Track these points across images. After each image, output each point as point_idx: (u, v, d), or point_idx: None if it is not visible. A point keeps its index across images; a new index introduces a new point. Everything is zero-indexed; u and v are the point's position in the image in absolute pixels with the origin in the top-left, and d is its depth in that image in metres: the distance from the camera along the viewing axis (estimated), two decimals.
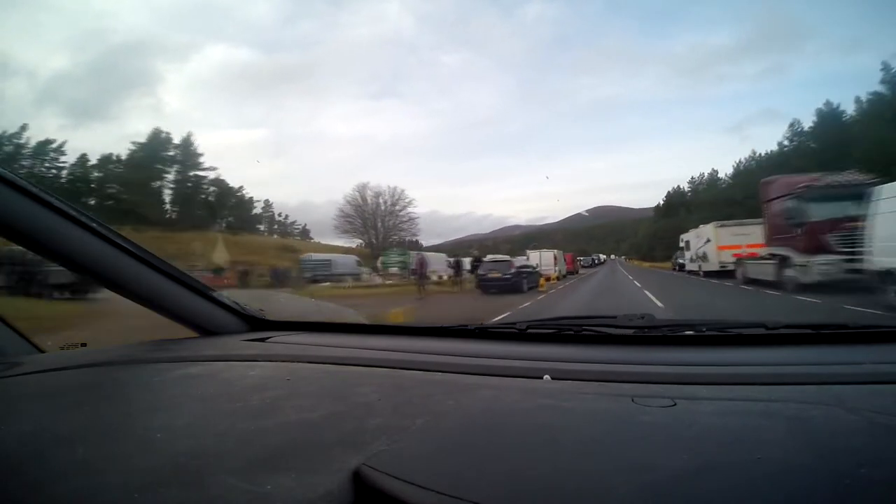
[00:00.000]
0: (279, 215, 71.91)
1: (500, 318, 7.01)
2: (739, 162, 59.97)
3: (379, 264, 33.60)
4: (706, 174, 74.36)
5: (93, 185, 40.43)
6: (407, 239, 57.23)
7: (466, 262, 23.21)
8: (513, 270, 15.20)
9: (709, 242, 18.54)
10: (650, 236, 77.70)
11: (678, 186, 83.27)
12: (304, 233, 70.94)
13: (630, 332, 1.06)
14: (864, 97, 39.30)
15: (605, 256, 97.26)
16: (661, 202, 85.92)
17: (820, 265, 9.10)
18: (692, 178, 78.28)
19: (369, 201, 54.21)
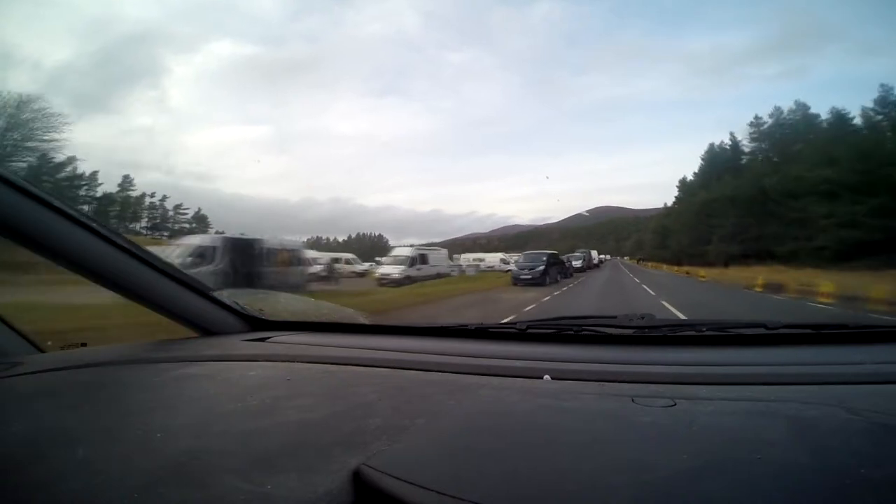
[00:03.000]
0: (152, 196, 53.64)
1: None
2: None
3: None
4: (785, 110, 43.77)
5: None
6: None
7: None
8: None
9: None
10: (695, 216, 43.17)
11: (732, 133, 50.58)
12: (201, 219, 53.96)
13: (630, 332, 1.07)
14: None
15: (605, 256, 71.41)
16: (698, 169, 54.20)
17: None
18: (756, 117, 46.02)
19: None
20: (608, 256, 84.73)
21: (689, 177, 60.90)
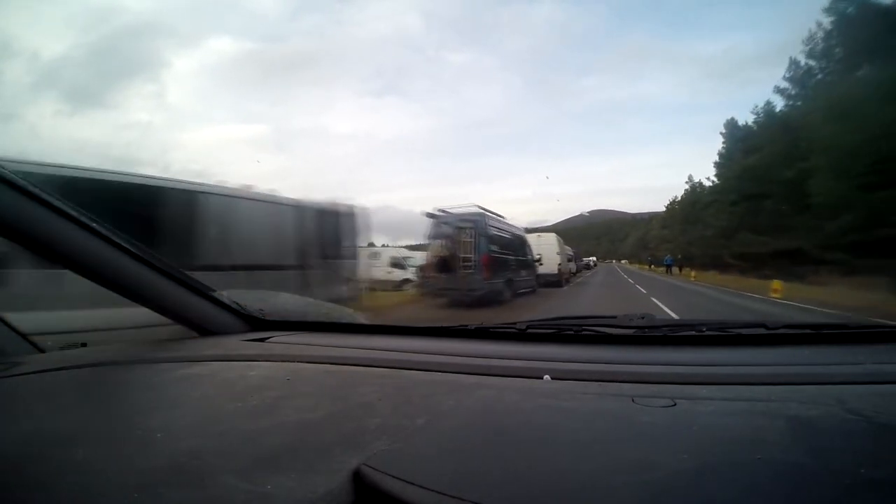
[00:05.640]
0: None
1: None
2: None
3: None
4: None
5: None
6: None
7: None
8: None
9: None
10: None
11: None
12: None
13: (630, 332, 1.07)
14: None
15: (592, 259, 53.31)
16: (792, 72, 24.46)
17: None
18: None
19: None
20: (594, 259, 57.60)
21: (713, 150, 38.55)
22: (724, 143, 36.64)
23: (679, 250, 36.60)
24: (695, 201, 40.01)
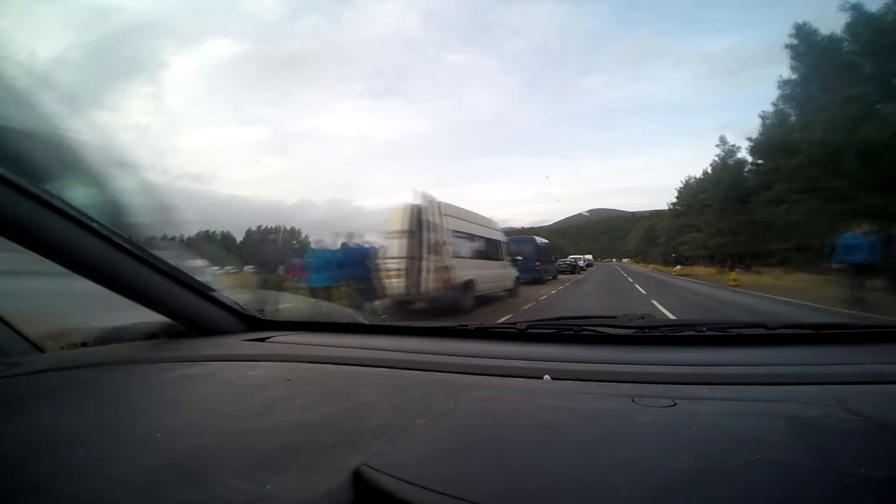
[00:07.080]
0: None
1: None
2: None
3: None
4: None
5: None
6: None
7: None
8: None
9: None
10: None
11: None
12: None
13: (630, 332, 1.07)
14: None
15: (584, 258, 42.10)
16: None
17: None
18: None
19: None
20: (588, 258, 49.20)
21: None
22: (792, 64, 23.41)
23: (714, 240, 21.93)
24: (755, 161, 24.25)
